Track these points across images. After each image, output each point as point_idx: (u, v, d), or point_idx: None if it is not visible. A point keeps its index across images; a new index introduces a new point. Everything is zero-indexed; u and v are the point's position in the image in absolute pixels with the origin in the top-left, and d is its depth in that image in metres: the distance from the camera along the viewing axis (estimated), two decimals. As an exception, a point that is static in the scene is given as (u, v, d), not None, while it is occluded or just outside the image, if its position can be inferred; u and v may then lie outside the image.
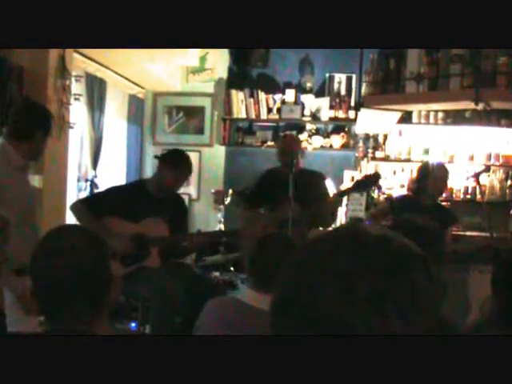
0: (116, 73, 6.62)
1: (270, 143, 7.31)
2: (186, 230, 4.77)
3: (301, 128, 7.34)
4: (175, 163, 4.49)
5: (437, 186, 4.82)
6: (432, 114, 6.37)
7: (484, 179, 6.14)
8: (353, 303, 0.85)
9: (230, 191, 6.79)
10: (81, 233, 1.78)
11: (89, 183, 6.13)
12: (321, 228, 5.00)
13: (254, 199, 5.08)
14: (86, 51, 5.66)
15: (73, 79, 5.18)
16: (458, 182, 6.44)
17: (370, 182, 4.90)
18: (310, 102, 7.29)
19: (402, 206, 4.86)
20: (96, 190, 6.01)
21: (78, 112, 5.66)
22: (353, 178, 6.75)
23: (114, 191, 4.70)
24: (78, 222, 4.45)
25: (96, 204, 4.47)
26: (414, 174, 5.34)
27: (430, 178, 4.80)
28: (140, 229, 4.38)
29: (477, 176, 5.01)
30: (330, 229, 4.73)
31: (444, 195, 6.25)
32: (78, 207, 4.51)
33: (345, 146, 7.21)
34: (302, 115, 7.30)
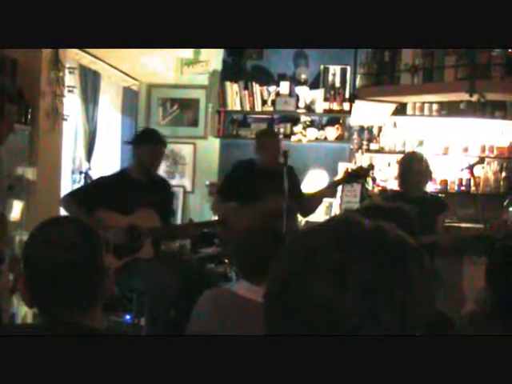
0: (110, 65, 6.60)
1: (264, 135, 7.30)
2: (171, 212, 4.83)
3: (295, 120, 7.33)
4: (145, 141, 4.55)
5: (415, 178, 4.81)
6: (426, 105, 6.37)
7: (478, 171, 6.15)
8: (345, 292, 0.85)
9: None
10: (73, 224, 1.77)
11: (83, 175, 6.12)
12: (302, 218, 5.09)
13: (230, 191, 4.99)
14: (79, 43, 5.64)
15: (66, 71, 5.17)
16: (453, 174, 6.45)
17: (361, 173, 4.93)
18: (305, 93, 7.28)
19: (394, 199, 4.87)
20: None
21: (71, 104, 5.64)
22: (347, 170, 6.75)
23: (100, 183, 4.70)
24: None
25: (85, 198, 4.47)
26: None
27: (407, 171, 4.82)
28: (132, 220, 4.38)
29: (471, 168, 5.01)
30: (324, 220, 4.75)
31: (439, 187, 6.28)
32: (66, 202, 4.51)
33: (339, 138, 7.20)
34: (297, 107, 7.28)
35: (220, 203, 5.07)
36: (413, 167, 4.79)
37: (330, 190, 5.02)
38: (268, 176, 4.61)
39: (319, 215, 5.24)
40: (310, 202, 4.90)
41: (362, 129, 6.82)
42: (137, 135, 4.75)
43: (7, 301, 4.19)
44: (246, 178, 4.88)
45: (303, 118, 7.32)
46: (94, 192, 4.55)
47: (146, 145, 4.55)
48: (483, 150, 6.38)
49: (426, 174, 4.87)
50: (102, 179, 4.85)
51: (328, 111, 7.25)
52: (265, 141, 4.98)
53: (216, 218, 5.85)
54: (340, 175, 6.62)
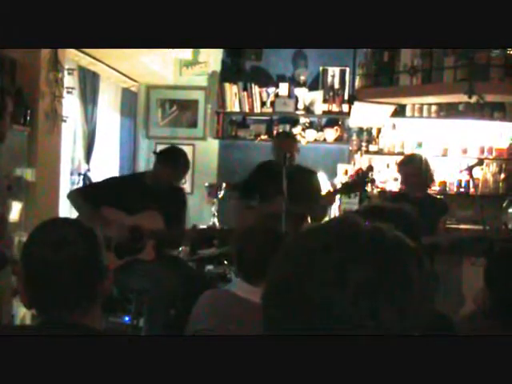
0: (109, 66, 6.60)
1: (263, 137, 7.31)
2: (183, 223, 4.80)
3: (294, 121, 7.33)
4: (171, 162, 4.53)
5: (416, 179, 4.82)
6: (425, 107, 6.38)
7: (477, 172, 6.15)
8: (345, 293, 0.85)
9: (224, 185, 6.78)
10: (72, 225, 1.77)
11: (82, 177, 6.11)
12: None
13: (247, 190, 5.10)
14: (78, 44, 5.64)
15: (65, 72, 5.16)
16: (452, 176, 6.45)
17: (361, 181, 4.97)
18: (304, 95, 7.28)
19: (394, 200, 4.88)
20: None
21: (70, 105, 5.64)
22: (346, 172, 6.76)
23: (112, 182, 4.72)
24: (74, 210, 4.49)
25: (94, 194, 4.50)
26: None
27: (408, 172, 4.83)
28: (136, 221, 4.38)
29: (470, 169, 5.01)
30: (323, 221, 4.76)
31: (438, 188, 6.27)
32: (74, 195, 4.54)
33: (338, 140, 7.21)
34: (296, 109, 7.29)
35: (237, 200, 5.17)
36: (413, 168, 4.80)
37: (329, 198, 5.05)
38: (275, 177, 4.60)
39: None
40: (322, 208, 4.92)
41: (360, 130, 6.82)
42: (163, 152, 4.67)
43: (8, 303, 4.19)
44: (260, 178, 4.95)
45: (302, 120, 7.33)
46: (103, 189, 4.57)
47: (168, 167, 4.53)
48: (482, 151, 6.38)
49: (427, 176, 4.87)
50: (114, 178, 4.89)
51: (327, 112, 7.26)
52: (278, 142, 5.04)
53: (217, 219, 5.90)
54: (339, 178, 6.66)
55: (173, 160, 4.55)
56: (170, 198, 4.64)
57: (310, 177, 5.05)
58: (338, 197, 6.14)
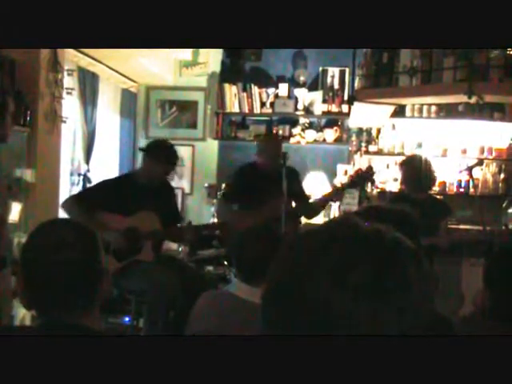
0: (108, 67, 6.60)
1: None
2: (179, 218, 4.80)
3: (294, 122, 7.33)
4: (159, 156, 4.50)
5: (417, 180, 4.83)
6: (425, 107, 6.38)
7: (477, 173, 6.15)
8: (344, 294, 0.85)
9: (223, 185, 6.79)
10: (70, 226, 1.77)
11: (81, 177, 6.11)
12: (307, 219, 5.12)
13: (233, 195, 5.06)
14: (78, 45, 5.64)
15: (65, 73, 5.15)
16: (451, 176, 6.45)
17: (364, 177, 4.96)
18: (304, 95, 7.29)
19: (395, 201, 4.88)
20: (88, 185, 5.99)
21: (70, 106, 5.64)
22: (346, 172, 6.76)
23: (104, 185, 4.69)
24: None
25: (87, 200, 4.47)
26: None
27: (409, 172, 4.84)
28: (132, 222, 4.38)
29: (470, 169, 5.01)
30: (323, 222, 4.77)
31: (437, 189, 6.27)
32: (68, 204, 4.51)
33: (338, 140, 7.21)
34: (296, 109, 7.30)
35: (224, 207, 5.12)
36: (414, 169, 4.81)
37: (335, 196, 5.06)
38: (269, 179, 4.60)
39: (318, 217, 5.24)
40: (316, 206, 4.92)
41: (360, 131, 6.82)
42: (150, 147, 4.63)
43: (8, 304, 4.19)
44: (248, 182, 4.90)
45: (302, 120, 7.33)
46: (96, 195, 4.54)
47: (156, 161, 4.50)
48: (482, 151, 6.38)
49: (427, 176, 4.88)
50: (105, 181, 4.85)
51: (327, 113, 7.26)
52: (266, 144, 5.02)
53: (216, 220, 5.87)
54: (345, 179, 6.65)
55: (165, 155, 4.53)
56: (164, 196, 4.65)
57: (292, 174, 5.06)
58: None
